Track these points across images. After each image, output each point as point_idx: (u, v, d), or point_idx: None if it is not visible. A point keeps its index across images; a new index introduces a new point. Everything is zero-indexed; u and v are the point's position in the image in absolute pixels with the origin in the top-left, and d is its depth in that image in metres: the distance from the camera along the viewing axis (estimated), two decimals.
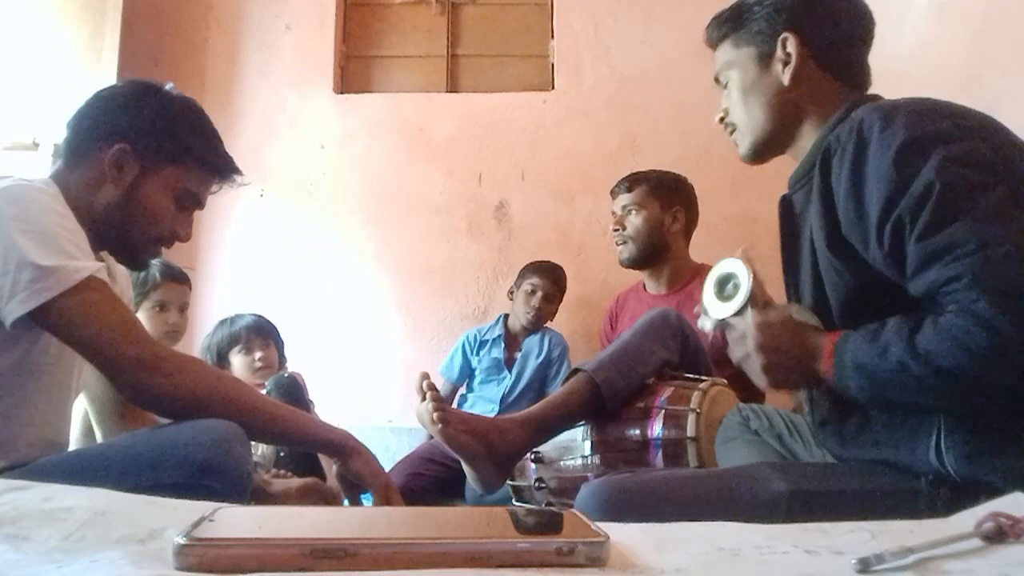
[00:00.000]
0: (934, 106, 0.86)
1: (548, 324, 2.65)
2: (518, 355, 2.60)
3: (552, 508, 1.08)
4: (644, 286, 2.27)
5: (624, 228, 2.15)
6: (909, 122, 0.82)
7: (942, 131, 0.81)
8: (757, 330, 0.89)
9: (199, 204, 1.21)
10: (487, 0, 3.25)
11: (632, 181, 2.19)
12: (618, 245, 2.18)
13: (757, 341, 0.88)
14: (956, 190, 0.76)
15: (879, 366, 0.79)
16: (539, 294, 2.56)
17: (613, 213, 2.21)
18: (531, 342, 2.61)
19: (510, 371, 2.58)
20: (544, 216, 2.99)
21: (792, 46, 1.02)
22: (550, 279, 2.59)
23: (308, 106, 3.10)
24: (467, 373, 2.67)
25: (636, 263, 2.17)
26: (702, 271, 2.15)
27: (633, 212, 2.15)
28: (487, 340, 2.65)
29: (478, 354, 2.64)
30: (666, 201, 2.15)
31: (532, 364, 2.58)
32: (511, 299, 2.67)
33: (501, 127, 3.05)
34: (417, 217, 3.02)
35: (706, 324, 0.99)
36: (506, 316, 2.69)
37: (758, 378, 0.91)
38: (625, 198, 2.17)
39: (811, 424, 1.05)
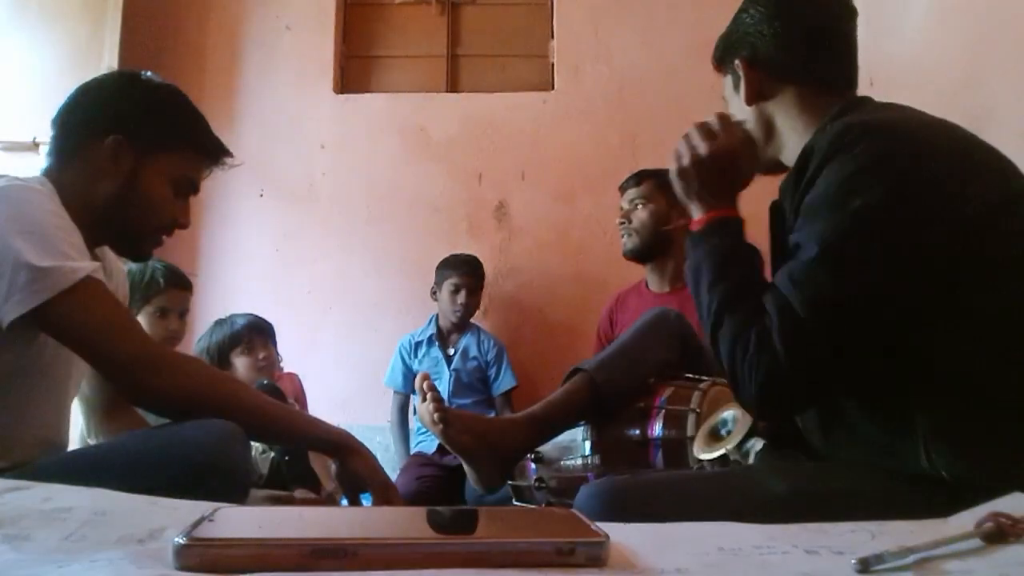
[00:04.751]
0: (896, 134, 0.90)
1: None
2: (452, 352, 2.67)
3: (552, 508, 1.08)
4: (646, 283, 2.28)
5: (630, 221, 2.19)
6: (858, 159, 0.86)
7: (870, 184, 0.85)
8: (709, 155, 1.03)
9: (195, 189, 1.21)
10: (487, 0, 3.24)
11: (641, 176, 2.23)
12: (622, 237, 2.21)
13: (698, 158, 1.03)
14: (827, 261, 0.85)
15: (700, 282, 0.96)
16: (463, 291, 2.64)
17: (621, 209, 2.24)
18: (465, 341, 2.68)
19: (449, 368, 2.64)
20: (544, 216, 2.99)
21: (741, 70, 1.07)
22: (470, 274, 2.67)
23: (308, 106, 3.09)
24: (411, 379, 2.68)
25: (638, 255, 2.20)
26: None
27: (640, 205, 2.19)
28: (421, 341, 2.71)
29: (417, 356, 2.69)
30: (673, 197, 2.16)
31: (469, 362, 2.65)
32: (435, 299, 2.72)
33: (501, 127, 3.05)
34: (417, 217, 3.01)
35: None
36: (436, 316, 2.74)
37: (673, 172, 1.08)
38: (633, 192, 2.22)
39: (802, 427, 1.05)
